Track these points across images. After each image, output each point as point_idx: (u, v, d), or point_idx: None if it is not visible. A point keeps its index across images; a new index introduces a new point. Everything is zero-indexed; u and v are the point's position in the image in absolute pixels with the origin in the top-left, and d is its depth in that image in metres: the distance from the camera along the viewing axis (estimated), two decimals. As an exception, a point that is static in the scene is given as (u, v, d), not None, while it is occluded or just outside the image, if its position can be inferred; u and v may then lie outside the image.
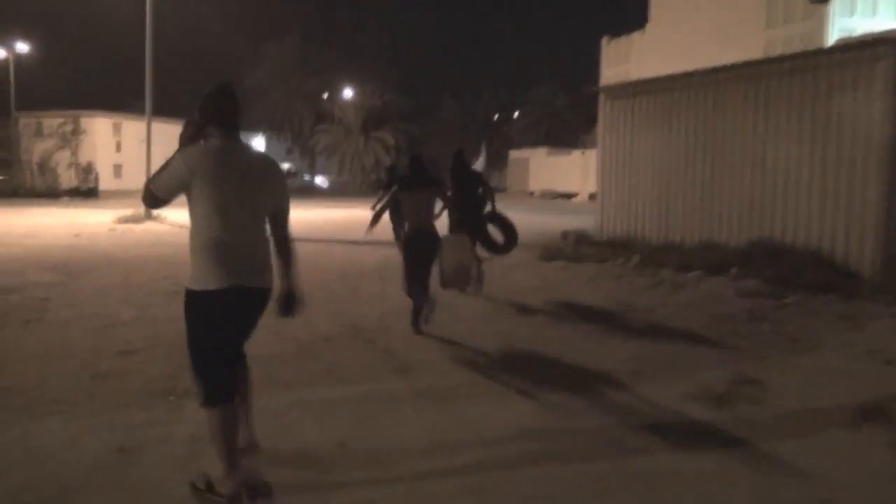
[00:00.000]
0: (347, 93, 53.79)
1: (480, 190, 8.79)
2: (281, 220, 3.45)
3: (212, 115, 3.28)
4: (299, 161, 64.11)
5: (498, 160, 61.98)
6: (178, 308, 3.47)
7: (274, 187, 3.39)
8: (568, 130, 63.40)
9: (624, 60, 35.03)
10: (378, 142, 51.55)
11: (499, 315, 7.71)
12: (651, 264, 10.50)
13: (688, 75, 11.70)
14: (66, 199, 35.01)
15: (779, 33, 25.32)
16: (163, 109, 26.19)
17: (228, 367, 3.32)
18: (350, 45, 61.79)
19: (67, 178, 40.01)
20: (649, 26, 33.18)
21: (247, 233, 3.27)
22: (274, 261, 3.44)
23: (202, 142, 3.30)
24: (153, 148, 21.91)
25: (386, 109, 52.82)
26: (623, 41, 35.66)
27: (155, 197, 3.30)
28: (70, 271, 10.46)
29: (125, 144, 44.21)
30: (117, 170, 43.75)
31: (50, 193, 35.85)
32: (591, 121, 60.63)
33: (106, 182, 40.50)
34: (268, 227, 3.45)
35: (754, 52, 22.02)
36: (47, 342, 6.23)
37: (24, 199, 33.89)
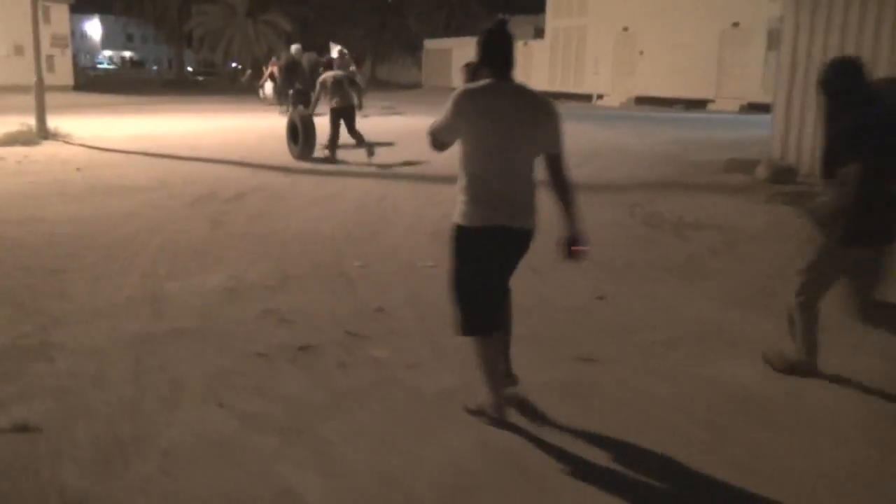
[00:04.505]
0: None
1: None
2: (556, 162, 3.29)
3: (486, 55, 3.21)
4: (167, 51, 54.86)
5: (394, 51, 56.09)
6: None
7: (546, 128, 3.25)
8: (469, 17, 58.22)
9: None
10: (269, 26, 44.21)
11: None
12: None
13: None
14: None
15: None
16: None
17: (485, 302, 3.32)
18: None
19: None
20: None
21: (512, 174, 3.19)
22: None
23: (474, 83, 3.24)
24: None
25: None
26: None
27: (440, 142, 3.37)
28: (33, 284, 5.43)
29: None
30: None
31: None
32: (492, 6, 56.23)
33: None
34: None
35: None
36: None
37: None
